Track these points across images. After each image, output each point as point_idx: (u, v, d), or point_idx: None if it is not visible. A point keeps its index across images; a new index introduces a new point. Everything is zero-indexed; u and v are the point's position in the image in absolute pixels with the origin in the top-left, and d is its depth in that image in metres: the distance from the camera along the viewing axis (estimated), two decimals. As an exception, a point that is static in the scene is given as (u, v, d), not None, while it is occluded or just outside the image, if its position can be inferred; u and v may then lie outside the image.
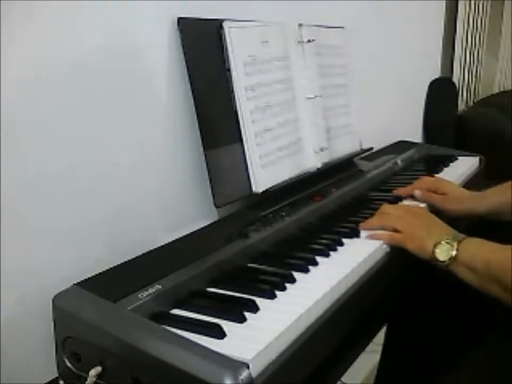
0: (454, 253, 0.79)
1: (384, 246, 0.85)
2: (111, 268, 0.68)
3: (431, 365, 0.97)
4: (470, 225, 1.05)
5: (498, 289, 0.74)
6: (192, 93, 0.85)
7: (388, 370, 1.11)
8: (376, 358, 1.15)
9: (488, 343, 0.85)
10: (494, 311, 0.86)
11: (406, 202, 1.06)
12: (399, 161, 1.37)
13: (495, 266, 0.75)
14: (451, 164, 1.41)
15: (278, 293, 0.67)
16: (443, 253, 0.80)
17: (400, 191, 1.10)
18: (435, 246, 0.81)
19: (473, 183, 1.30)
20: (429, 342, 1.01)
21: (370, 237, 0.86)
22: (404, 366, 1.06)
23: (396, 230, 0.87)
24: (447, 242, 0.80)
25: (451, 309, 1.00)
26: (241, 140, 0.92)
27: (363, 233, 0.88)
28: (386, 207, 0.93)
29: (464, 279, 0.79)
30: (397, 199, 1.07)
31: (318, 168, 1.09)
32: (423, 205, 1.03)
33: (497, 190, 1.03)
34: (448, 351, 0.93)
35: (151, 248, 0.75)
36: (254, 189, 0.93)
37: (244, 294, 0.68)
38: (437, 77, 2.16)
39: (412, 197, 1.07)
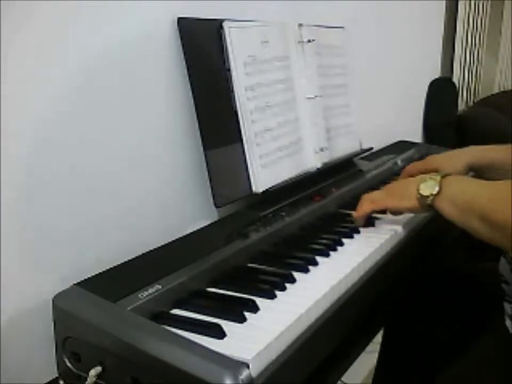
0: (437, 188, 0.78)
1: (384, 246, 0.85)
2: (111, 268, 0.68)
3: (431, 365, 0.97)
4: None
5: (478, 223, 0.73)
6: (192, 93, 0.85)
7: (388, 370, 1.11)
8: (376, 358, 1.15)
9: (488, 343, 0.85)
10: (493, 311, 0.86)
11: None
12: (399, 161, 1.37)
13: (478, 201, 0.74)
14: (451, 164, 1.41)
15: (278, 293, 0.67)
16: (427, 188, 0.80)
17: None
18: (419, 184, 0.81)
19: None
20: (429, 342, 1.01)
21: (357, 216, 0.90)
22: (403, 366, 1.06)
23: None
24: (431, 178, 0.80)
25: (451, 309, 1.00)
26: (241, 140, 0.92)
27: (363, 233, 0.88)
28: (366, 195, 0.93)
29: (447, 215, 0.78)
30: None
31: (318, 168, 1.09)
32: None
33: (495, 147, 1.03)
34: (448, 351, 0.93)
35: (151, 248, 0.75)
36: (254, 189, 0.93)
37: (244, 294, 0.68)
38: (437, 77, 2.16)
39: None
